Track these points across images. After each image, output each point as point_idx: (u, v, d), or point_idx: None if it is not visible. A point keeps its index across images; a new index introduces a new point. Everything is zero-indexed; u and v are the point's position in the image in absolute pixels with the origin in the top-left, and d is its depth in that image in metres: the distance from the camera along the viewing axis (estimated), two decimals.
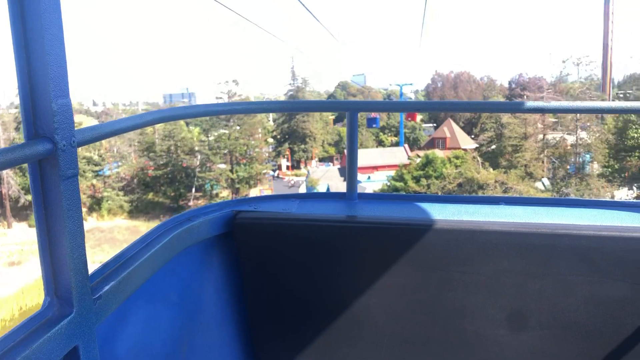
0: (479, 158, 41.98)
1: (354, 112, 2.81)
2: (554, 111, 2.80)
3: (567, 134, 44.85)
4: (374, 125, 68.47)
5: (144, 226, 51.61)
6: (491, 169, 40.12)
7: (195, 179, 55.59)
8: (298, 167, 74.23)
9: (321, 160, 77.32)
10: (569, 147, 49.55)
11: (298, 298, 2.74)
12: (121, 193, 55.06)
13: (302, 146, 73.98)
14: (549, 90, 48.84)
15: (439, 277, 2.54)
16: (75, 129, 1.50)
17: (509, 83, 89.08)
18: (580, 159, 49.81)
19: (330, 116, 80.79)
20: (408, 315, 2.65)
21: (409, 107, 3.50)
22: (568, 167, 49.34)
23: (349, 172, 2.91)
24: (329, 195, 3.07)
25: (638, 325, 2.42)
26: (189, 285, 2.52)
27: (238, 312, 2.84)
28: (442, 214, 2.62)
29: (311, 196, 3.09)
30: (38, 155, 1.36)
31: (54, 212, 1.43)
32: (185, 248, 2.38)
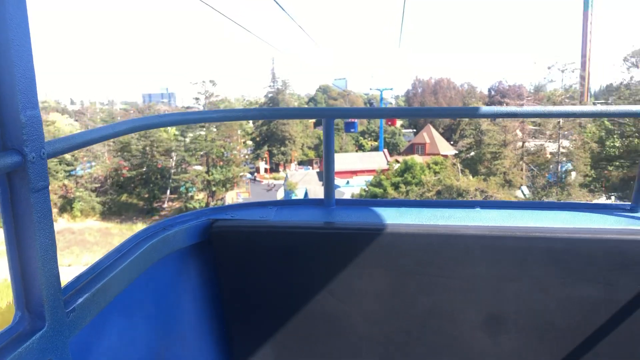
0: (459, 165, 41.38)
1: (330, 118, 2.76)
2: (519, 116, 2.81)
3: (552, 141, 44.66)
4: (352, 130, 66.01)
5: (116, 228, 50.45)
6: (471, 176, 39.63)
7: (171, 180, 54.26)
8: (277, 170, 73.25)
9: (300, 163, 76.62)
10: (548, 155, 49.69)
11: (277, 306, 2.73)
12: (94, 194, 53.68)
13: (282, 149, 72.98)
14: (529, 98, 48.86)
15: (417, 281, 2.55)
16: (49, 127, 1.29)
17: (489, 90, 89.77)
18: (562, 168, 49.97)
19: (310, 119, 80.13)
20: (386, 321, 2.66)
21: (385, 114, 3.84)
22: (547, 175, 49.44)
23: (326, 178, 2.90)
24: (306, 202, 3.07)
25: (612, 324, 2.45)
26: (166, 295, 2.49)
27: (216, 321, 2.82)
28: (418, 218, 2.66)
29: (289, 203, 3.09)
30: (6, 168, 1.34)
31: (24, 225, 1.41)
32: (161, 258, 2.35)
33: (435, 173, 40.14)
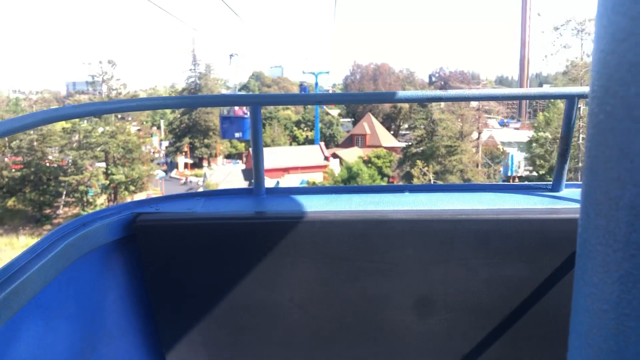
0: (431, 176, 33.56)
1: (257, 105, 2.66)
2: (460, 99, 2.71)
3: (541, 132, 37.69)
4: (235, 136, 34.37)
5: None
6: None
7: (64, 182, 44.71)
8: (200, 166, 64.80)
9: (228, 157, 68.54)
10: (498, 146, 44.52)
11: (206, 300, 2.68)
12: None
13: (205, 141, 64.43)
14: (485, 83, 43.16)
15: (348, 268, 2.58)
16: None
17: (429, 77, 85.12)
18: (511, 159, 44.95)
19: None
20: (319, 309, 2.68)
21: (314, 100, 2.78)
22: (501, 169, 44.36)
23: (255, 167, 2.83)
24: (236, 192, 2.94)
25: (535, 300, 2.53)
26: (89, 294, 2.43)
27: (144, 318, 2.76)
28: (349, 204, 2.66)
29: (217, 193, 2.92)
30: None
31: None
32: (81, 255, 2.26)
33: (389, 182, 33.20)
